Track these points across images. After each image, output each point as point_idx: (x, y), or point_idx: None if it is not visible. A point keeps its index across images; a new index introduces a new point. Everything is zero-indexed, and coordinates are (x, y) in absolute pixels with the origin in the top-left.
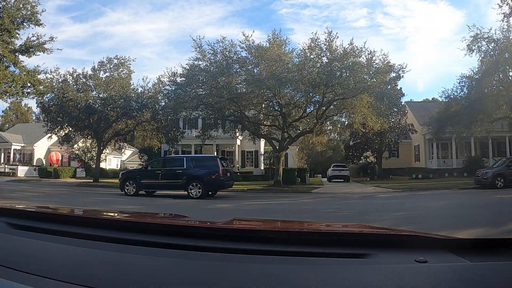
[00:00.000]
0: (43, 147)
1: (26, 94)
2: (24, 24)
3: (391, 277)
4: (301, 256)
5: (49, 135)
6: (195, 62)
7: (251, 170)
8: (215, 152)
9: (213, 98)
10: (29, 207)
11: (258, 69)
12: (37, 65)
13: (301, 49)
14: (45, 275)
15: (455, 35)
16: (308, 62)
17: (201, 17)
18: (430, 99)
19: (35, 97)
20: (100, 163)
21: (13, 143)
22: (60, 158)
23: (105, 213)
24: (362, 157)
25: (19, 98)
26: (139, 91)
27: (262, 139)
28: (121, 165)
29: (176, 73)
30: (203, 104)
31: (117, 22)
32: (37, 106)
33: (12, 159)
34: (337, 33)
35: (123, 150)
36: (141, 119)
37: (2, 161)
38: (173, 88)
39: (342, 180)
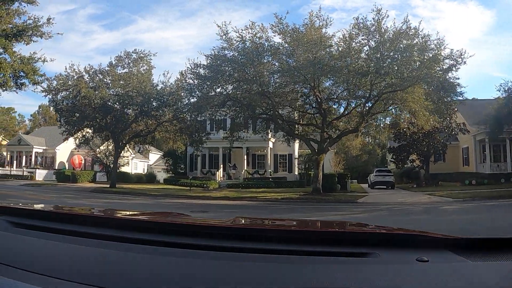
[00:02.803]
0: (66, 150)
1: (19, 85)
2: (15, 1)
3: (392, 276)
4: (303, 255)
5: (65, 136)
6: (220, 52)
7: (284, 176)
8: (245, 156)
9: (242, 93)
10: (31, 206)
11: (293, 58)
12: (33, 52)
13: (342, 36)
14: (49, 274)
15: (485, 35)
16: (352, 48)
17: (229, 23)
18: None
19: (47, 95)
20: (124, 167)
21: (34, 146)
22: (82, 162)
23: (108, 212)
24: (407, 161)
25: (10, 90)
26: (160, 87)
27: (296, 141)
28: (147, 169)
29: (200, 64)
30: (230, 100)
31: (146, 29)
32: (49, 105)
33: (33, 162)
34: (387, 11)
35: (144, 153)
36: (162, 119)
37: (24, 164)
38: (196, 82)
39: (385, 187)
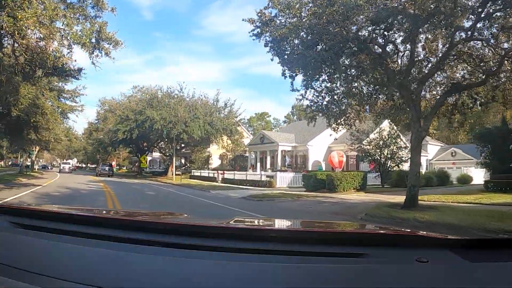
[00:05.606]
0: (321, 145)
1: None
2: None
3: (392, 276)
4: (301, 256)
5: (309, 112)
6: None
7: None
8: None
9: None
10: (34, 207)
11: None
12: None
13: None
14: (49, 274)
15: None
16: None
17: None
18: None
19: (258, 38)
20: (400, 164)
21: (280, 143)
22: (343, 159)
23: (108, 212)
24: None
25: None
26: None
27: None
28: (427, 165)
29: None
30: None
31: None
32: (271, 54)
33: (279, 163)
34: None
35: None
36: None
37: (268, 165)
38: None
39: None
